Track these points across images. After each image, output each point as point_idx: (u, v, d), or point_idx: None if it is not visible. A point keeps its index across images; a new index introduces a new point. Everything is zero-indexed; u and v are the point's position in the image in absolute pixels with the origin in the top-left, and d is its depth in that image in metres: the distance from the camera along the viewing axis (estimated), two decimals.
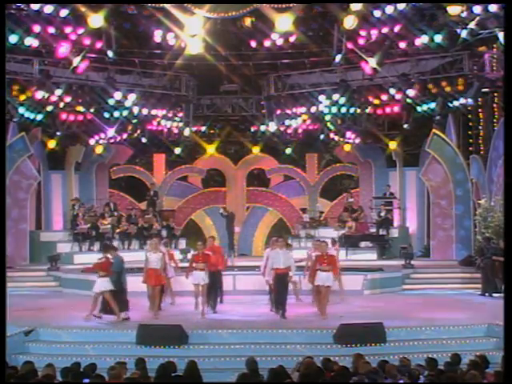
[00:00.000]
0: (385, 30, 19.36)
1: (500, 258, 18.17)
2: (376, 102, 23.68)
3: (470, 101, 21.81)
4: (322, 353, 13.02)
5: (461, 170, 24.10)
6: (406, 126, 24.61)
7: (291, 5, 19.29)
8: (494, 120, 23.78)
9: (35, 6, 17.80)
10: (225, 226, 25.05)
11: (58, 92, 21.68)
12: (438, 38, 18.90)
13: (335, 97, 23.31)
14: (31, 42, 18.87)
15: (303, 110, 24.88)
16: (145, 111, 24.46)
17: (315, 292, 16.76)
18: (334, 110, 24.37)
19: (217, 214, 28.48)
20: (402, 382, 9.46)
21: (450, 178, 24.15)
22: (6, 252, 16.11)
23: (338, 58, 20.59)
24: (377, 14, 18.68)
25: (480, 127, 25.01)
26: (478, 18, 17.43)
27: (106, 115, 24.25)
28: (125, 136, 26.88)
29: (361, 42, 20.07)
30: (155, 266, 16.65)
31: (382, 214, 25.81)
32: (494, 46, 20.54)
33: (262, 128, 27.03)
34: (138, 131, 26.73)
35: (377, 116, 25.08)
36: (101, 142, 26.20)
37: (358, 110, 24.53)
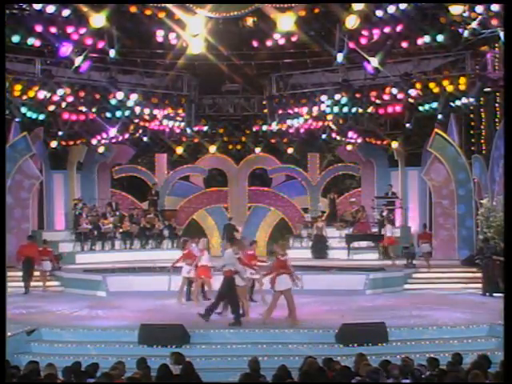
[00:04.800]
0: (387, 30, 19.34)
1: (500, 258, 18.16)
2: (378, 101, 23.66)
3: (472, 100, 21.78)
4: (325, 352, 12.98)
5: (463, 169, 24.08)
6: (408, 125, 24.61)
7: (293, 4, 19.26)
8: (496, 120, 23.71)
9: (37, 6, 17.83)
10: (226, 230, 25.76)
11: (60, 92, 21.69)
12: (440, 38, 18.90)
13: (337, 96, 23.30)
14: (33, 41, 18.91)
15: (305, 109, 24.87)
16: (147, 111, 24.47)
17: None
18: (336, 109, 24.36)
19: (218, 213, 28.58)
20: (404, 381, 9.45)
21: (452, 178, 24.14)
22: (5, 252, 16.02)
23: (340, 57, 20.56)
24: (379, 13, 18.67)
25: (482, 127, 24.95)
26: (480, 17, 17.41)
27: (108, 115, 24.26)
28: (127, 136, 26.92)
29: (363, 41, 20.04)
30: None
31: (384, 213, 25.80)
32: (497, 45, 20.52)
33: (264, 128, 27.03)
34: (140, 131, 26.74)
35: (379, 116, 25.06)
36: (103, 141, 26.22)
37: (360, 110, 24.51)
